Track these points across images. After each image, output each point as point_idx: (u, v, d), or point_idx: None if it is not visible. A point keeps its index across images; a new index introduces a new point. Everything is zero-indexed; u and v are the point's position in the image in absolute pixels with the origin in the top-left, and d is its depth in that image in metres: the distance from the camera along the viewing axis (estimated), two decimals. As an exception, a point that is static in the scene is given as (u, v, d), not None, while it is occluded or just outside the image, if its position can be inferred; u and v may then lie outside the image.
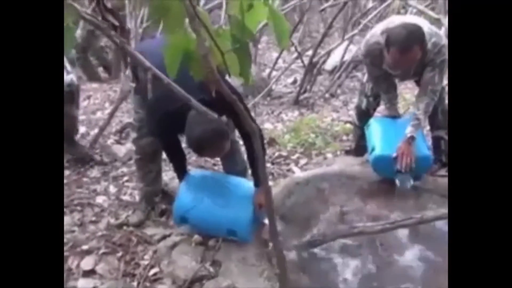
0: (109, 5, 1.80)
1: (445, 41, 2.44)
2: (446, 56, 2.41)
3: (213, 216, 2.15)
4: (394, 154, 2.47)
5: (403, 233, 2.33)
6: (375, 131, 2.68)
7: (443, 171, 2.69)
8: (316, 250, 2.24)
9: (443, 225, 2.28)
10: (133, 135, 2.42)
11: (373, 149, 2.59)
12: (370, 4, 5.53)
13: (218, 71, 1.19)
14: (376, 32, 2.54)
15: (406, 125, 2.54)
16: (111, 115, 3.36)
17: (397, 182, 2.50)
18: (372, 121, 2.75)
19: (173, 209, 2.21)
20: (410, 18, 2.68)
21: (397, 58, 2.31)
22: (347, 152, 3.14)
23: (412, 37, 2.28)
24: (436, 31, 2.45)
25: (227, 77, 1.79)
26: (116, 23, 1.95)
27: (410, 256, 2.27)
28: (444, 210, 2.24)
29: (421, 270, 2.19)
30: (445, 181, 2.50)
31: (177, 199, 2.20)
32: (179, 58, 1.17)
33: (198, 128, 1.87)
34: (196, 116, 1.88)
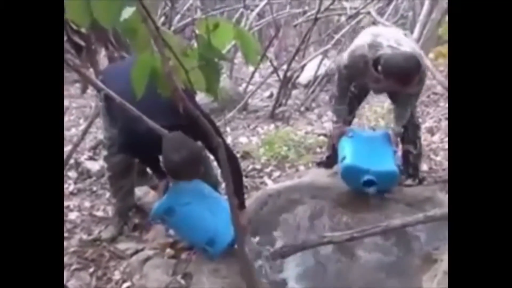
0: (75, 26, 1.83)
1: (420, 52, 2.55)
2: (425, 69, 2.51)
3: (199, 221, 2.13)
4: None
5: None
6: (347, 142, 2.71)
7: (409, 181, 2.77)
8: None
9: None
10: (104, 153, 2.45)
11: (343, 158, 2.62)
12: (342, 19, 5.69)
13: (185, 89, 1.24)
14: (362, 44, 2.50)
15: (378, 138, 2.67)
16: (85, 131, 3.36)
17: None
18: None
19: (162, 199, 2.15)
20: (393, 31, 2.75)
21: (394, 86, 2.36)
22: (319, 164, 3.20)
23: (412, 70, 2.30)
24: (418, 51, 2.52)
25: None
26: (82, 44, 1.98)
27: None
28: (409, 218, 2.32)
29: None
30: (410, 190, 2.58)
31: (170, 191, 2.16)
32: (146, 77, 1.22)
33: (175, 154, 1.88)
34: (172, 139, 1.90)
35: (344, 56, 2.62)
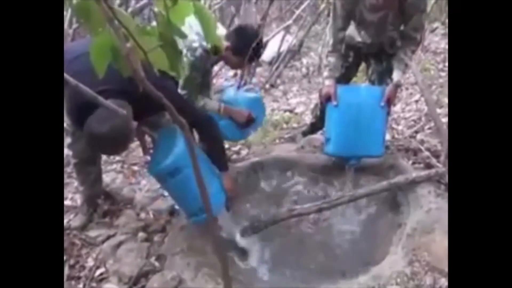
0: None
1: None
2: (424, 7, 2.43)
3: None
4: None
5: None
6: (334, 115, 2.57)
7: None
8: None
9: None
10: (68, 140, 2.38)
11: (328, 140, 2.56)
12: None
13: (145, 68, 1.22)
14: None
15: (369, 107, 2.52)
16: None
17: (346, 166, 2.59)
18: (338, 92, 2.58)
19: (170, 156, 1.99)
20: None
21: None
22: (304, 134, 3.17)
23: None
24: None
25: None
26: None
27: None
28: (374, 186, 2.41)
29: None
30: (375, 159, 2.64)
31: (177, 150, 1.99)
32: (106, 57, 1.20)
33: (95, 124, 1.76)
34: (104, 108, 1.65)
35: None
